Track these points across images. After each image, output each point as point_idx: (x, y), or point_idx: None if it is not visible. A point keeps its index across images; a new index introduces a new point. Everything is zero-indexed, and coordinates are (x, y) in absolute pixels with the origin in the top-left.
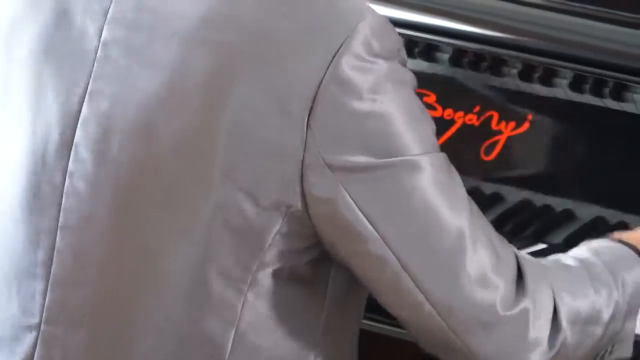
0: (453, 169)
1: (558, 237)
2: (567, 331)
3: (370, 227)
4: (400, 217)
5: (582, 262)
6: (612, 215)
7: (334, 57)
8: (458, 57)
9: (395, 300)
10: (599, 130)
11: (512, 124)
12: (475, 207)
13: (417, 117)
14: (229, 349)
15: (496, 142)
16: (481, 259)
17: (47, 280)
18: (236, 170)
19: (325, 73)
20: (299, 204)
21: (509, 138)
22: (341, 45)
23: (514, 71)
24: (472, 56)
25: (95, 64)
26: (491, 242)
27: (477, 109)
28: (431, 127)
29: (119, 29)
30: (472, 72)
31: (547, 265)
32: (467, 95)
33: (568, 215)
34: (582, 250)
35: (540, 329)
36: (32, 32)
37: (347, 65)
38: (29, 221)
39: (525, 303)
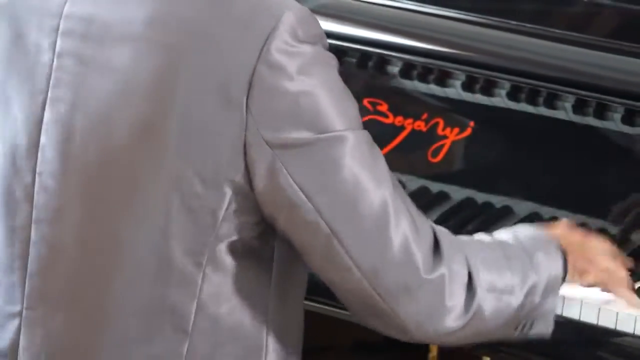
0: (375, 145)
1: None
2: (481, 298)
3: (303, 197)
4: (330, 187)
5: (499, 241)
6: (545, 211)
7: (264, 44)
8: (407, 70)
9: (326, 266)
10: (533, 135)
11: (456, 129)
12: (396, 181)
13: (342, 96)
14: (192, 319)
15: (442, 146)
16: (403, 227)
17: (25, 271)
18: (187, 155)
19: (258, 59)
20: (242, 179)
21: (453, 142)
22: (269, 33)
23: (458, 82)
24: (420, 69)
25: (52, 74)
26: (410, 214)
27: (424, 116)
28: (354, 105)
29: (71, 41)
30: (420, 84)
31: (463, 239)
32: (416, 104)
33: (506, 211)
34: (503, 232)
35: (455, 294)
36: None
37: (276, 51)
38: (5, 219)
39: (442, 270)
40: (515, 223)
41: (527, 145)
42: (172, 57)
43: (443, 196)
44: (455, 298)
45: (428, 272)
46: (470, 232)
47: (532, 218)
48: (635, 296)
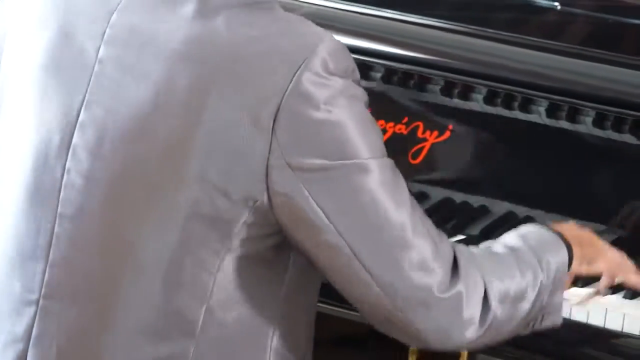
0: (397, 171)
1: (475, 229)
2: (496, 310)
3: (325, 220)
4: (352, 211)
5: (510, 248)
6: (521, 210)
7: (295, 73)
8: (389, 76)
9: (347, 283)
10: (509, 138)
11: (436, 132)
12: (416, 204)
13: (367, 126)
14: (200, 324)
15: (422, 148)
16: (421, 248)
17: (46, 262)
18: (210, 170)
19: (288, 87)
20: (264, 199)
21: (432, 145)
22: (302, 63)
23: (437, 88)
24: (401, 75)
25: (92, 78)
26: (430, 235)
27: (405, 120)
28: (379, 136)
29: (114, 48)
30: (401, 89)
31: (479, 254)
32: (397, 109)
33: (483, 211)
34: (512, 236)
35: (472, 309)
36: (39, 48)
37: (307, 81)
38: (32, 211)
39: (459, 287)
40: (491, 222)
41: (502, 148)
42: (205, 76)
43: (423, 196)
44: (472, 313)
45: (445, 290)
46: (449, 231)
47: (507, 217)
48: None
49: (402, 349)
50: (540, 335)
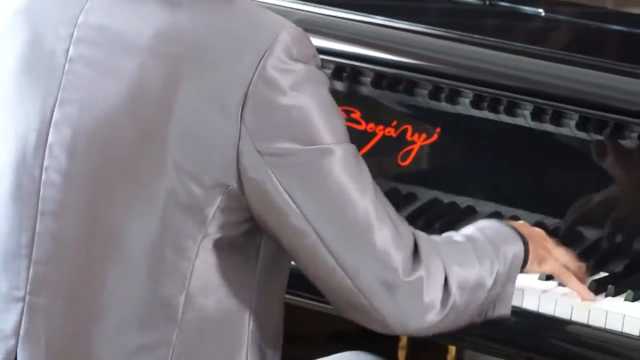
0: (360, 158)
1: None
2: (456, 295)
3: (292, 204)
4: (317, 195)
5: (469, 238)
6: (506, 210)
7: (260, 60)
8: (378, 81)
9: (312, 265)
10: (495, 140)
11: (424, 135)
12: (379, 190)
13: (331, 112)
14: (181, 310)
15: (410, 151)
16: (384, 233)
17: (30, 259)
18: (184, 159)
19: (254, 74)
20: (235, 184)
21: (421, 147)
22: (266, 51)
23: (425, 92)
24: (390, 79)
25: (63, 77)
26: (392, 220)
27: (394, 123)
28: (342, 121)
29: (83, 47)
30: (390, 93)
31: (440, 242)
32: (386, 112)
33: (470, 211)
34: (471, 228)
35: (433, 293)
36: (11, 56)
37: (272, 67)
38: (14, 210)
39: (420, 272)
40: None
41: (489, 150)
42: (174, 68)
43: (411, 197)
44: (433, 297)
45: (407, 274)
46: (437, 230)
47: (493, 217)
48: (586, 288)
49: (392, 345)
50: (525, 332)
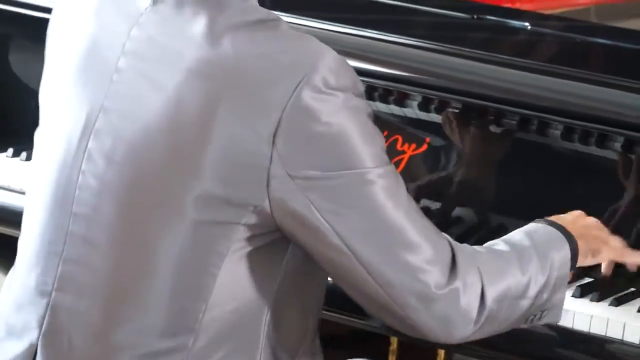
0: (398, 176)
1: (451, 236)
2: (492, 306)
3: (326, 224)
4: (352, 216)
5: (514, 245)
6: (495, 218)
7: (295, 88)
8: (370, 92)
9: (345, 277)
10: (482, 150)
11: (414, 145)
12: (416, 206)
13: (369, 136)
14: (200, 320)
15: (401, 160)
16: (419, 248)
17: (60, 257)
18: (217, 178)
19: (288, 101)
20: (264, 204)
21: (411, 157)
22: (302, 79)
23: (415, 103)
24: (381, 91)
25: (110, 86)
26: (427, 235)
27: (385, 133)
28: (381, 145)
29: (132, 59)
30: (381, 104)
31: (480, 252)
32: (378, 123)
33: (458, 219)
34: (519, 234)
35: (469, 305)
36: (71, 58)
37: (307, 96)
38: (53, 208)
39: (456, 284)
40: (465, 229)
41: (476, 160)
42: (214, 90)
43: None
44: (469, 309)
45: (442, 286)
46: None
47: (481, 224)
48: None
49: (381, 349)
50: (515, 336)
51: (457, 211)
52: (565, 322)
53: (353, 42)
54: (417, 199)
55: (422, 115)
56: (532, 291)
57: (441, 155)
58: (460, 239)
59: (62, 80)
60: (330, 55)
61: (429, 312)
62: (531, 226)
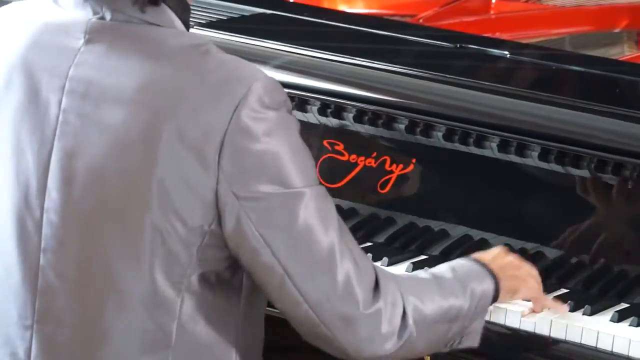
0: (329, 197)
1: (436, 250)
2: (412, 327)
3: (262, 242)
4: (286, 235)
5: (435, 275)
6: (475, 233)
7: (234, 110)
8: (360, 116)
9: (280, 299)
10: (465, 170)
11: (401, 165)
12: (345, 228)
13: (302, 156)
14: (174, 335)
15: (389, 179)
16: (347, 269)
17: (35, 291)
18: (169, 202)
19: (229, 123)
20: (215, 224)
21: (398, 176)
22: (240, 101)
23: (402, 126)
24: (370, 115)
25: (57, 127)
26: (354, 257)
27: (374, 154)
28: (312, 164)
29: (74, 99)
30: (371, 127)
31: (403, 278)
32: (367, 144)
33: (443, 234)
34: (442, 267)
35: (391, 325)
36: (10, 106)
37: (246, 116)
38: (19, 246)
39: (379, 304)
40: (450, 243)
41: (459, 179)
42: (156, 119)
43: (390, 221)
44: (390, 328)
45: (367, 307)
46: (414, 250)
47: (464, 239)
48: (559, 303)
49: None
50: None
51: (442, 227)
52: (542, 330)
53: (345, 70)
54: (404, 216)
55: (409, 138)
56: (451, 316)
57: (427, 175)
58: (444, 252)
59: (6, 125)
60: (262, 76)
61: (353, 332)
62: (455, 261)
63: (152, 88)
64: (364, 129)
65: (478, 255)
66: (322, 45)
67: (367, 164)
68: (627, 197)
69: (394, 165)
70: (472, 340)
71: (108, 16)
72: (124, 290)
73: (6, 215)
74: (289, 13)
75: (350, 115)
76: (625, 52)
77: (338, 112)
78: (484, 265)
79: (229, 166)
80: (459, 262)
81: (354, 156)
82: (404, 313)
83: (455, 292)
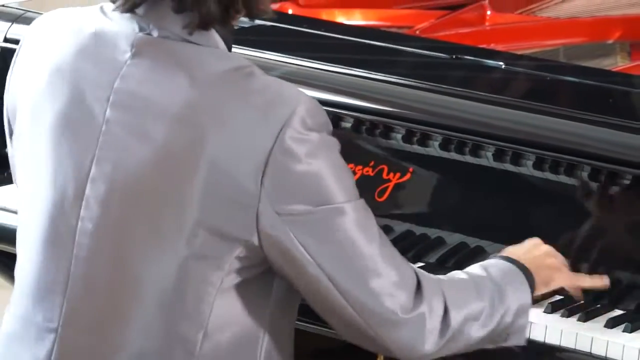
0: (368, 209)
1: (432, 258)
2: (454, 328)
3: (307, 256)
4: (330, 248)
5: (472, 275)
6: (471, 241)
7: (279, 132)
8: (357, 126)
9: (326, 308)
10: (461, 179)
11: (398, 174)
12: (384, 237)
13: (342, 173)
14: (199, 345)
15: (386, 188)
16: (388, 275)
17: (64, 296)
18: (206, 218)
19: (274, 144)
20: (254, 239)
21: (395, 185)
22: (284, 123)
23: (399, 136)
24: (368, 125)
25: (100, 137)
26: (396, 263)
27: (372, 163)
28: (352, 180)
29: (118, 111)
30: (368, 137)
31: (443, 279)
32: (365, 154)
33: (439, 241)
34: (476, 267)
35: (433, 327)
36: (52, 111)
37: (289, 138)
38: (51, 251)
39: (422, 308)
40: (446, 251)
41: (456, 187)
42: (199, 137)
43: (388, 229)
44: (433, 330)
45: (410, 310)
46: (411, 257)
47: (460, 247)
48: (596, 279)
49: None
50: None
51: (439, 234)
52: (537, 335)
53: (343, 80)
54: (401, 224)
55: (406, 147)
56: (490, 316)
57: (424, 183)
58: (440, 260)
59: (46, 129)
60: (306, 99)
61: (398, 333)
62: (488, 261)
63: (196, 106)
64: (362, 138)
65: (511, 249)
66: (321, 56)
67: (364, 173)
68: (621, 205)
69: (391, 174)
70: (518, 338)
71: (155, 33)
72: (151, 300)
73: (39, 219)
74: (289, 25)
75: (348, 125)
76: (618, 63)
77: (336, 122)
78: (515, 261)
79: (272, 185)
80: (491, 262)
81: (351, 165)
82: (445, 315)
83: (490, 292)
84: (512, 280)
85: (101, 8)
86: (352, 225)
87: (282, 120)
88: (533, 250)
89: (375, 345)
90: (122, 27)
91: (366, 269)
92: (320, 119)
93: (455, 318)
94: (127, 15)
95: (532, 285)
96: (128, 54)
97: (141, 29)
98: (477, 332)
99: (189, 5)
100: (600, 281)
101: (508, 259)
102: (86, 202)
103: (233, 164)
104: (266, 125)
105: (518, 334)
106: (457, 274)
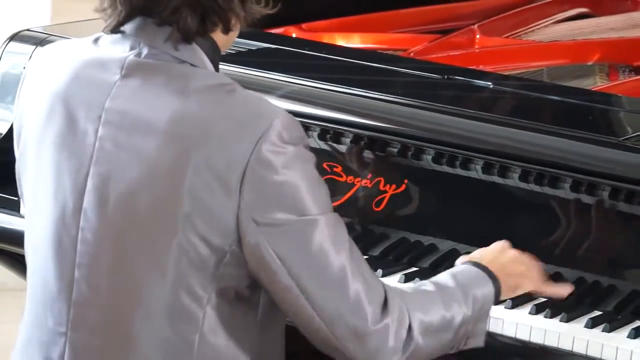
0: (341, 222)
1: (425, 263)
2: (418, 339)
3: (280, 264)
4: (302, 258)
5: (439, 285)
6: (462, 247)
7: (256, 144)
8: (356, 141)
9: (296, 315)
10: (452, 190)
11: (394, 185)
12: (356, 250)
13: (317, 186)
14: (195, 347)
15: (383, 198)
16: (357, 287)
17: (70, 302)
18: (194, 226)
19: (251, 155)
20: (236, 246)
21: (392, 195)
22: (261, 135)
23: (395, 150)
24: (366, 140)
25: (94, 153)
26: (364, 276)
27: (369, 175)
28: (326, 192)
29: (109, 128)
30: (366, 151)
31: (409, 292)
32: (363, 167)
33: (432, 248)
34: (444, 275)
35: (397, 339)
36: (52, 133)
37: (266, 150)
38: (56, 261)
39: (387, 320)
40: (438, 257)
41: (447, 198)
42: (185, 149)
43: (384, 237)
44: (397, 342)
45: (375, 322)
46: (406, 263)
47: (451, 253)
48: (560, 288)
49: None
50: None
51: (432, 241)
52: (522, 335)
53: (343, 99)
54: (397, 232)
55: (401, 161)
56: (455, 325)
57: (417, 194)
58: (433, 265)
59: (47, 150)
60: (283, 114)
61: (363, 345)
62: (456, 268)
63: (182, 121)
64: (361, 152)
65: (479, 255)
66: (322, 76)
67: (363, 185)
68: (600, 213)
69: (388, 186)
70: (477, 341)
71: (145, 51)
72: (149, 303)
73: (45, 232)
74: (292, 47)
75: (348, 140)
76: (597, 83)
77: (336, 137)
78: (484, 268)
79: (250, 195)
80: (460, 269)
81: (351, 177)
82: (410, 327)
83: (458, 300)
84: (479, 287)
85: (95, 38)
86: (324, 238)
87: (259, 133)
88: (500, 256)
89: (342, 356)
90: (114, 51)
91: (335, 281)
92: (296, 132)
93: (420, 330)
94: (118, 37)
95: (498, 292)
96: (118, 76)
97: (132, 48)
98: (439, 342)
99: (166, 19)
100: (562, 290)
101: (478, 265)
102: (84, 214)
103: (216, 174)
104: (245, 137)
105: (478, 337)
106: (424, 284)
